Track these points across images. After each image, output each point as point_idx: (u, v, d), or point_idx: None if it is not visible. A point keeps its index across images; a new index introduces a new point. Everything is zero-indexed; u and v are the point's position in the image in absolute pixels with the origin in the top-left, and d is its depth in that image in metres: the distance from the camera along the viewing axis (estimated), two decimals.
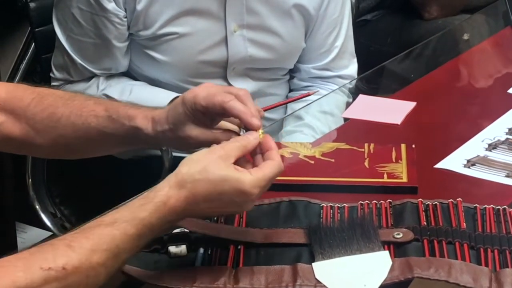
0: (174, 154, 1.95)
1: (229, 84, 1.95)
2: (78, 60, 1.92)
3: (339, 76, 2.06)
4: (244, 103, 1.23)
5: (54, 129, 1.33)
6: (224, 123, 1.28)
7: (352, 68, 2.08)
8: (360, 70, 2.11)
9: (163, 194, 1.11)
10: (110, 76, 1.95)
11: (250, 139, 1.19)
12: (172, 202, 1.11)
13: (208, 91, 1.24)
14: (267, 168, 1.17)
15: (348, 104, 1.90)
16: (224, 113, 1.24)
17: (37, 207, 2.22)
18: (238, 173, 1.13)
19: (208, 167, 1.12)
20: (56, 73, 1.97)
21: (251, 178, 1.14)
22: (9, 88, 1.38)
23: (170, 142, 1.32)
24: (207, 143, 1.24)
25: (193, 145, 1.27)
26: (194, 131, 1.26)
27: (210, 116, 1.25)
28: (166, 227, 1.14)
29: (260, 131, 1.22)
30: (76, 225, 1.38)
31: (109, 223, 1.09)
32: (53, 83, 1.98)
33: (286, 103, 2.00)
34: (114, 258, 1.08)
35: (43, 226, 2.55)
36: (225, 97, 1.22)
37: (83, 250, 1.05)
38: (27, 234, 2.71)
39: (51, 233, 2.38)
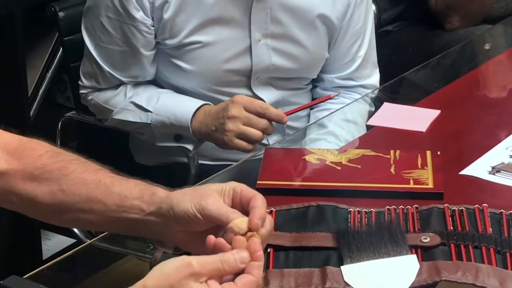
0: (201, 161, 1.98)
1: (253, 93, 1.98)
2: (106, 68, 1.95)
3: (362, 86, 2.08)
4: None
5: (58, 182, 1.25)
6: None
7: (374, 77, 2.10)
8: (382, 81, 2.12)
9: None
10: (137, 84, 1.97)
11: (234, 264, 1.07)
12: None
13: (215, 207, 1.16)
14: (242, 285, 1.06)
15: (370, 113, 1.92)
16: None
17: None
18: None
19: (174, 285, 1.03)
20: (84, 81, 2.00)
21: None
22: (23, 140, 1.30)
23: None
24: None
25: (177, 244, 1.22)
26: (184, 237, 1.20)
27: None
28: None
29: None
30: (102, 232, 1.40)
31: None
32: (81, 91, 2.01)
33: (308, 106, 2.01)
34: None
35: (67, 233, 2.58)
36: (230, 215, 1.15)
37: None
38: (51, 241, 2.74)
39: (74, 240, 2.41)
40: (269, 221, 1.17)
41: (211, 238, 1.12)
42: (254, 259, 1.09)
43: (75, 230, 2.39)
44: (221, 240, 1.12)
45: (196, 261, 1.05)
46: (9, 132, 1.30)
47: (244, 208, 1.17)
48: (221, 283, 1.06)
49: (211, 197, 1.17)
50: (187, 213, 1.16)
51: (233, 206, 1.18)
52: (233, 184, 1.20)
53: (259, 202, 1.17)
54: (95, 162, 1.28)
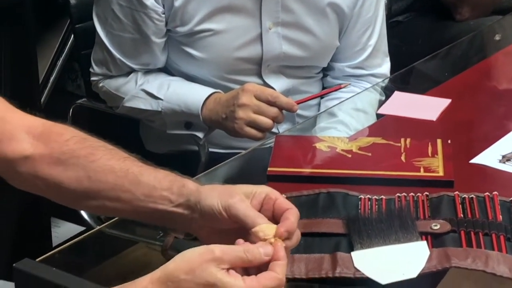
0: (211, 149, 1.98)
1: (264, 81, 1.98)
2: (117, 55, 1.95)
3: (373, 75, 2.08)
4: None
5: (85, 168, 1.23)
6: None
7: (385, 67, 2.10)
8: (392, 71, 2.12)
9: (141, 285, 1.03)
10: (148, 72, 1.98)
11: (257, 255, 1.06)
12: None
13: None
14: (264, 281, 1.04)
15: (380, 103, 1.92)
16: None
17: None
18: (227, 279, 1.02)
19: (196, 269, 1.02)
20: (95, 68, 2.01)
21: (242, 285, 1.02)
22: (47, 123, 1.29)
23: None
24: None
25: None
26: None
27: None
28: None
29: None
30: (111, 218, 1.41)
31: None
32: (92, 78, 2.02)
33: (319, 95, 2.02)
34: None
35: (77, 221, 2.59)
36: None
37: None
38: (60, 228, 2.75)
39: (84, 228, 2.41)
40: (297, 236, 1.15)
41: (240, 241, 1.10)
42: (277, 259, 1.07)
43: (85, 217, 2.40)
44: (246, 243, 1.10)
45: (219, 248, 1.04)
46: (33, 116, 1.29)
47: (275, 217, 1.15)
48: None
49: (239, 197, 1.16)
50: (213, 209, 1.15)
51: (262, 211, 1.16)
52: (266, 189, 1.18)
53: (293, 216, 1.14)
54: (122, 150, 1.27)
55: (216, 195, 1.16)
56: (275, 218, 1.15)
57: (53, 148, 1.25)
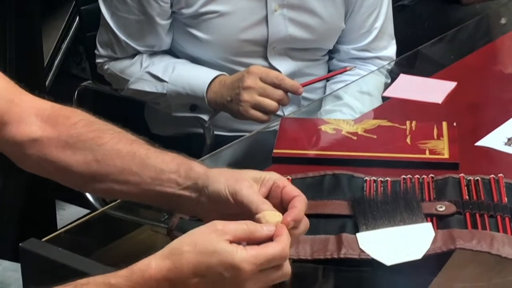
0: (216, 132, 1.98)
1: (269, 64, 1.98)
2: (122, 37, 1.95)
3: (378, 57, 2.08)
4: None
5: (93, 151, 1.24)
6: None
7: (391, 49, 2.10)
8: (398, 55, 2.12)
9: (143, 263, 1.03)
10: (153, 54, 1.98)
11: (259, 228, 1.06)
12: (151, 272, 1.02)
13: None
14: (268, 248, 1.03)
15: (386, 85, 1.92)
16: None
17: None
18: (228, 246, 1.02)
19: (198, 240, 1.03)
20: (100, 50, 2.00)
21: (243, 252, 1.02)
22: (56, 107, 1.30)
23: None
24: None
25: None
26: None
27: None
28: None
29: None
30: (115, 200, 1.41)
31: (79, 285, 1.02)
32: (97, 60, 2.01)
33: (324, 78, 2.01)
34: None
35: (82, 203, 2.60)
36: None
37: None
38: (65, 211, 2.76)
39: (89, 211, 2.42)
40: (305, 224, 1.14)
41: None
42: (279, 235, 1.06)
43: (90, 199, 2.40)
44: None
45: (221, 223, 1.05)
46: (42, 99, 1.30)
47: (283, 204, 1.15)
48: None
49: (246, 182, 1.16)
50: (220, 194, 1.16)
51: (269, 197, 1.16)
52: (275, 176, 1.18)
53: (301, 204, 1.14)
54: (130, 132, 1.27)
55: (223, 180, 1.16)
56: (283, 205, 1.15)
57: (61, 131, 1.26)
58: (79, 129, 1.25)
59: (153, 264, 1.02)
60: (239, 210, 1.15)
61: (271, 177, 1.17)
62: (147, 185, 1.21)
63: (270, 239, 1.05)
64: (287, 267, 1.06)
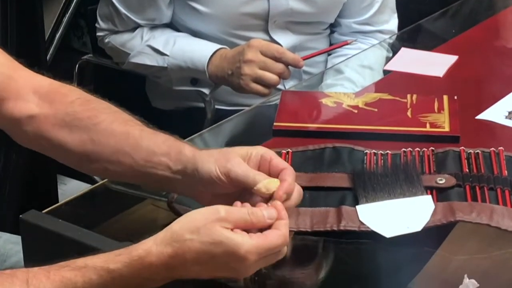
0: (217, 106, 1.98)
1: (270, 37, 1.97)
2: (123, 10, 1.94)
3: (380, 31, 2.07)
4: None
5: (88, 131, 1.24)
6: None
7: (392, 23, 2.09)
8: (399, 29, 2.11)
9: (143, 249, 1.02)
10: (154, 27, 1.97)
11: (261, 217, 1.07)
12: (151, 259, 1.02)
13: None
14: (271, 238, 1.05)
15: (388, 59, 1.91)
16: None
17: None
18: (234, 236, 1.02)
19: (201, 229, 1.02)
20: (101, 23, 2.00)
21: (249, 243, 1.02)
22: (54, 84, 1.29)
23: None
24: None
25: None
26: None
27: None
28: (145, 283, 1.04)
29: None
30: None
31: (77, 267, 1.01)
32: (98, 33, 2.01)
33: (325, 51, 2.01)
34: None
35: (83, 178, 2.60)
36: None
37: None
38: (66, 186, 2.76)
39: (90, 185, 2.42)
40: (298, 193, 1.15)
41: (238, 204, 1.10)
42: (279, 218, 1.07)
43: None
44: (246, 204, 1.11)
45: (224, 209, 1.04)
46: (41, 75, 1.29)
47: (272, 176, 1.15)
48: None
49: (236, 159, 1.16)
50: (211, 175, 1.15)
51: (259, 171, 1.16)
52: (261, 150, 1.18)
53: (290, 177, 1.14)
54: (126, 112, 1.27)
55: (212, 160, 1.16)
56: (272, 177, 1.15)
57: (58, 109, 1.26)
58: (75, 108, 1.25)
59: (154, 250, 1.02)
60: (232, 189, 1.16)
61: (258, 151, 1.17)
62: (139, 167, 1.21)
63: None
64: (284, 249, 1.08)
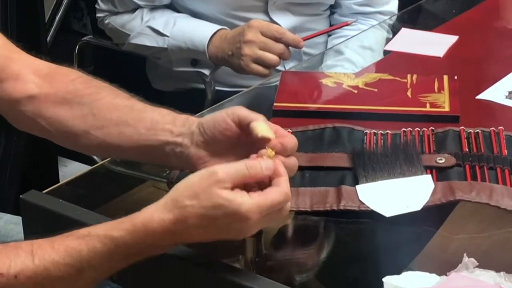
0: (217, 87, 1.98)
1: (270, 18, 1.97)
2: None
3: (380, 12, 2.07)
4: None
5: (90, 106, 1.24)
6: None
7: (392, 4, 2.09)
8: (399, 9, 2.11)
9: (145, 216, 1.02)
10: (154, 8, 1.97)
11: (259, 170, 1.06)
12: (153, 225, 1.01)
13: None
14: (271, 194, 1.04)
15: (388, 40, 1.91)
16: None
17: None
18: (233, 196, 1.02)
19: (200, 194, 1.02)
20: (101, 4, 2.00)
21: (249, 202, 1.02)
22: (53, 66, 1.29)
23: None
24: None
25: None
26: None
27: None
28: (149, 250, 1.03)
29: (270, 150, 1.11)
30: None
31: (81, 236, 1.02)
32: (98, 14, 2.01)
33: (325, 32, 2.01)
34: (76, 274, 1.00)
35: (84, 160, 2.60)
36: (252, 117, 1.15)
37: (43, 261, 0.99)
38: (67, 167, 2.76)
39: (90, 167, 2.43)
40: (293, 141, 1.15)
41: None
42: (278, 175, 1.07)
43: (93, 156, 2.40)
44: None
45: (221, 169, 1.03)
46: (39, 59, 1.29)
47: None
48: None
49: (238, 107, 1.17)
50: (217, 117, 1.16)
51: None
52: (234, 109, 1.17)
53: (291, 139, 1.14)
54: (126, 92, 1.27)
55: (217, 113, 1.18)
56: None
57: (59, 88, 1.26)
58: (76, 86, 1.26)
59: (156, 217, 1.01)
60: (236, 133, 1.16)
61: (232, 110, 1.17)
62: (140, 136, 1.21)
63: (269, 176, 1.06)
64: (287, 207, 1.07)
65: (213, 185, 1.02)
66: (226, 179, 1.02)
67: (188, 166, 1.22)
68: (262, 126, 1.13)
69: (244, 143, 1.16)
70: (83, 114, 1.24)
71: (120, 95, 1.25)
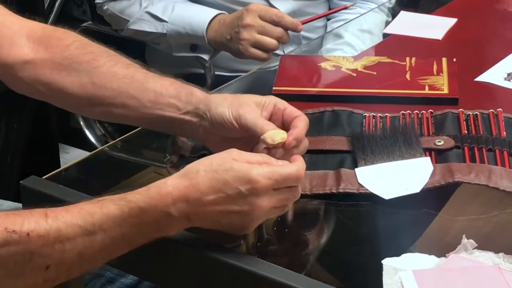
0: (217, 72, 1.98)
1: (269, 3, 1.97)
2: None
3: None
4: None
5: (88, 74, 1.22)
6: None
7: None
8: None
9: (159, 182, 1.03)
10: None
11: (274, 160, 1.08)
12: (167, 189, 1.02)
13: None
14: (283, 167, 1.06)
15: (387, 23, 1.91)
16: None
17: (81, 123, 2.26)
18: (245, 164, 1.04)
19: (214, 160, 1.04)
20: None
21: (260, 168, 1.04)
22: (47, 28, 1.27)
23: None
24: None
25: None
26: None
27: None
28: (161, 223, 1.03)
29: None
30: (119, 137, 1.41)
31: (95, 201, 1.02)
32: (97, 0, 2.01)
33: (324, 15, 2.00)
34: (87, 236, 0.99)
35: (85, 146, 2.61)
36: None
37: (56, 221, 0.98)
38: (69, 154, 2.76)
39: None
40: (304, 145, 1.17)
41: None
42: (293, 159, 1.09)
43: (94, 142, 2.41)
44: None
45: (237, 151, 1.06)
46: (33, 21, 1.27)
47: (285, 125, 1.17)
48: None
49: (249, 106, 1.17)
50: (223, 117, 1.16)
51: (272, 121, 1.17)
52: (274, 100, 1.19)
53: (302, 123, 1.16)
54: (125, 56, 1.26)
55: (227, 104, 1.17)
56: (285, 127, 1.17)
57: (54, 53, 1.24)
58: (72, 51, 1.24)
59: (169, 182, 1.02)
60: (241, 134, 1.17)
61: (271, 100, 1.19)
62: (146, 109, 1.20)
63: None
64: (299, 190, 1.08)
65: (229, 154, 1.04)
66: (243, 156, 1.05)
67: (198, 137, 1.23)
68: (272, 137, 1.13)
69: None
70: (82, 83, 1.23)
71: (119, 61, 1.24)
